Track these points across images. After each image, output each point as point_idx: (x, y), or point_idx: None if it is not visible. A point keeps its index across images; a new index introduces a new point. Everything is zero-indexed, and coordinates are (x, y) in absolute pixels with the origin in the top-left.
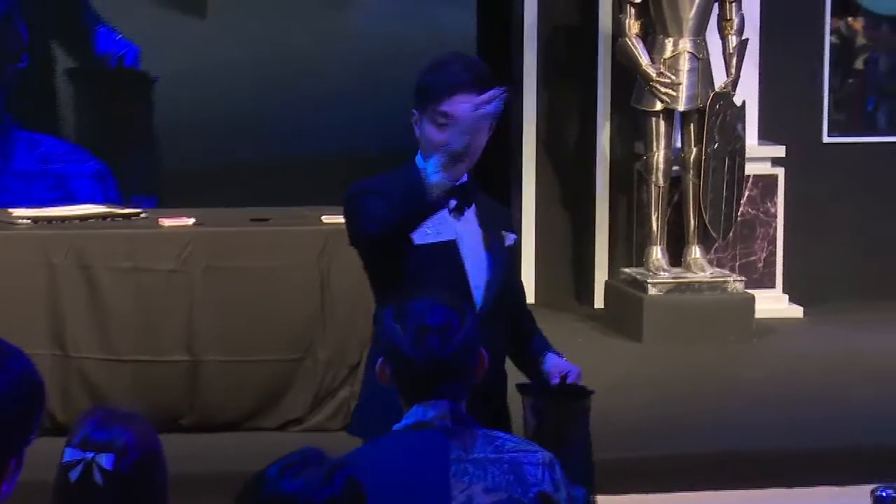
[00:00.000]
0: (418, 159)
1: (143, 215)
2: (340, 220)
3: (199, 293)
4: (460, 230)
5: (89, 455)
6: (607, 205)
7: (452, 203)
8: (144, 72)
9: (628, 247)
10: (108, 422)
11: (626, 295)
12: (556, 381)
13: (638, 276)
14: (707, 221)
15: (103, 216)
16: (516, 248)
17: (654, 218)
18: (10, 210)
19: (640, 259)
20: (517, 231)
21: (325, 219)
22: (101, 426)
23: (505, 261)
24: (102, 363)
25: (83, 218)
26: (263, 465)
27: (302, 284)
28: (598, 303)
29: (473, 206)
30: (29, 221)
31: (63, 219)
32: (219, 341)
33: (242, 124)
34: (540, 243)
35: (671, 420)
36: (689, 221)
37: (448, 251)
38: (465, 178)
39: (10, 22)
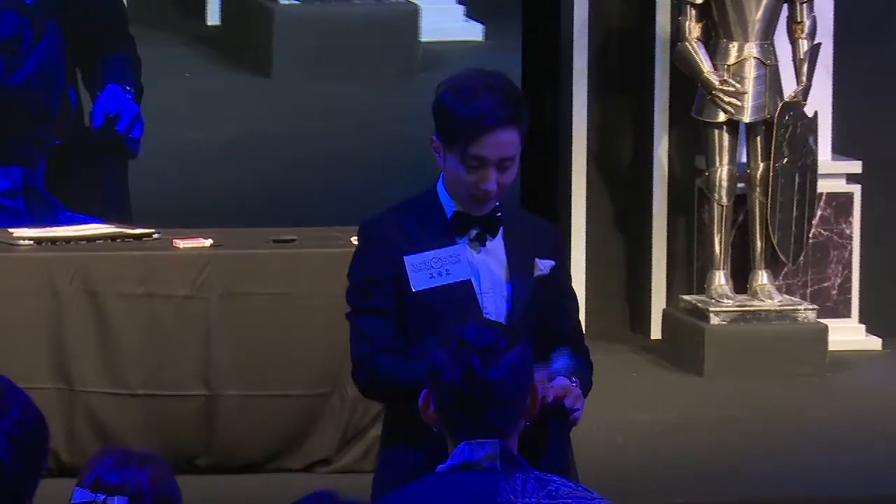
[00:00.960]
0: (440, 189)
1: (155, 236)
2: None
3: (217, 321)
4: (479, 264)
5: (101, 497)
6: (665, 225)
7: (473, 233)
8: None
9: (688, 272)
10: (123, 463)
11: (685, 324)
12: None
13: (699, 304)
14: (775, 244)
15: (112, 237)
16: (557, 276)
17: (716, 240)
18: (11, 230)
19: (702, 285)
20: (565, 254)
21: (356, 240)
22: (114, 467)
23: (533, 294)
24: (111, 398)
25: (90, 239)
26: None
27: (329, 312)
28: (655, 333)
29: (501, 232)
30: (31, 243)
31: (68, 240)
32: (238, 374)
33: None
34: (591, 267)
35: (735, 464)
36: (755, 244)
37: (461, 292)
38: (494, 205)
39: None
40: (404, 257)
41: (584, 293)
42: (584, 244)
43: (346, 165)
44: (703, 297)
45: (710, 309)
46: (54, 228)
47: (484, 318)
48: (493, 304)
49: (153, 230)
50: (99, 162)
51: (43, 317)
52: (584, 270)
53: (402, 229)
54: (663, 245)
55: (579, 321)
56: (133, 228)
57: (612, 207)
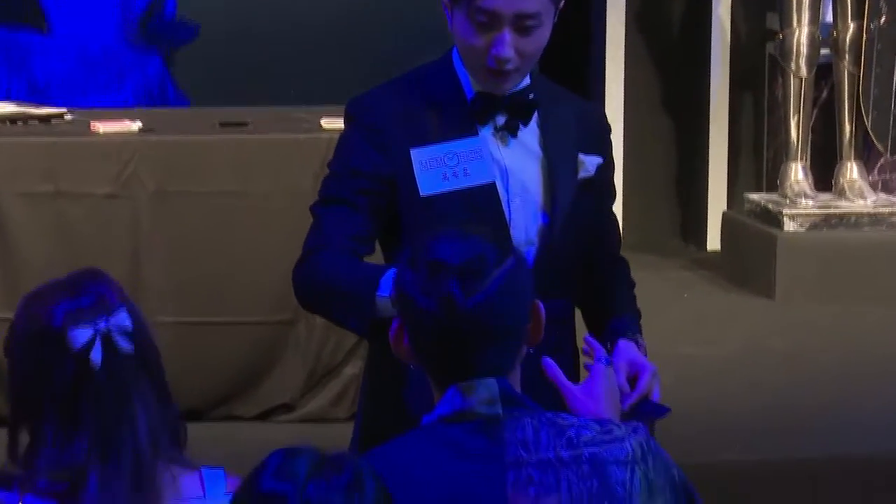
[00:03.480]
0: (454, 57)
1: (67, 117)
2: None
3: (147, 228)
4: (509, 160)
5: (102, 325)
6: (727, 106)
7: (500, 121)
8: None
9: (756, 165)
10: (82, 287)
11: (752, 232)
12: (627, 398)
13: (770, 206)
14: (869, 128)
15: (12, 118)
16: (604, 177)
17: (792, 123)
18: None
19: (773, 182)
20: (611, 147)
21: (327, 123)
22: (79, 292)
23: (576, 202)
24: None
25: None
26: (243, 471)
27: (291, 216)
28: (713, 243)
29: (535, 119)
30: None
31: None
32: (174, 296)
33: None
34: (630, 160)
35: (809, 412)
36: (843, 128)
37: (482, 199)
38: (524, 83)
39: None
40: (411, 150)
41: (621, 193)
42: (621, 131)
43: None
44: (774, 197)
45: (784, 212)
46: None
47: (466, 228)
48: (524, 215)
49: (64, 109)
50: None
51: None
52: (621, 164)
53: (405, 111)
54: (724, 131)
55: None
56: (39, 108)
57: (659, 85)
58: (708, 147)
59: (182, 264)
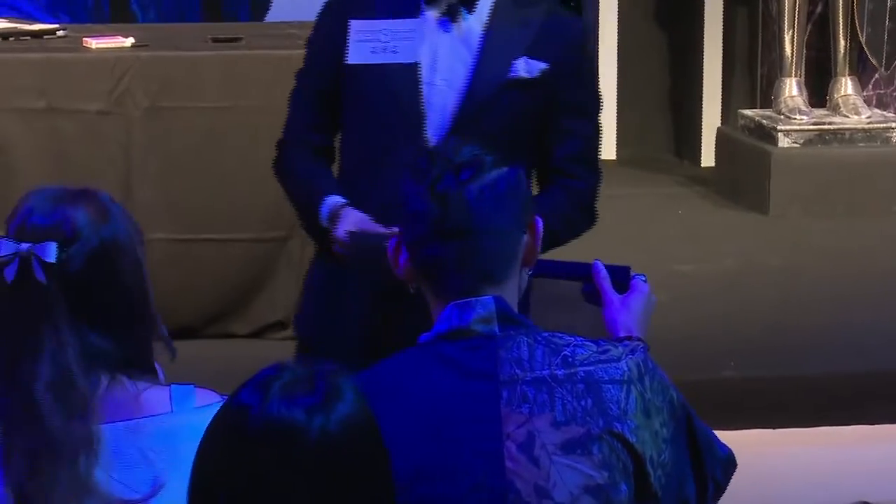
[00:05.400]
0: None
1: (60, 33)
2: None
3: (140, 144)
4: (441, 46)
5: (24, 247)
6: (720, 20)
7: (444, 5)
8: None
9: (750, 80)
10: (52, 202)
11: (746, 147)
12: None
13: (764, 121)
14: (863, 42)
15: (3, 35)
16: (556, 87)
17: (787, 38)
18: None
19: (768, 97)
20: (582, 62)
21: None
22: (40, 208)
23: (499, 99)
24: None
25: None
26: (232, 388)
27: None
28: (707, 159)
29: (490, 11)
30: None
31: None
32: (167, 213)
33: None
34: (623, 74)
35: (804, 329)
36: (837, 43)
37: (401, 79)
38: None
39: None
40: (351, 21)
41: (615, 108)
42: (615, 43)
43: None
44: (768, 112)
45: (779, 127)
46: None
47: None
48: (441, 99)
49: (56, 25)
50: None
51: None
52: (614, 77)
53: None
54: (718, 45)
55: (593, 152)
56: (31, 24)
57: None
58: (702, 63)
59: (175, 181)
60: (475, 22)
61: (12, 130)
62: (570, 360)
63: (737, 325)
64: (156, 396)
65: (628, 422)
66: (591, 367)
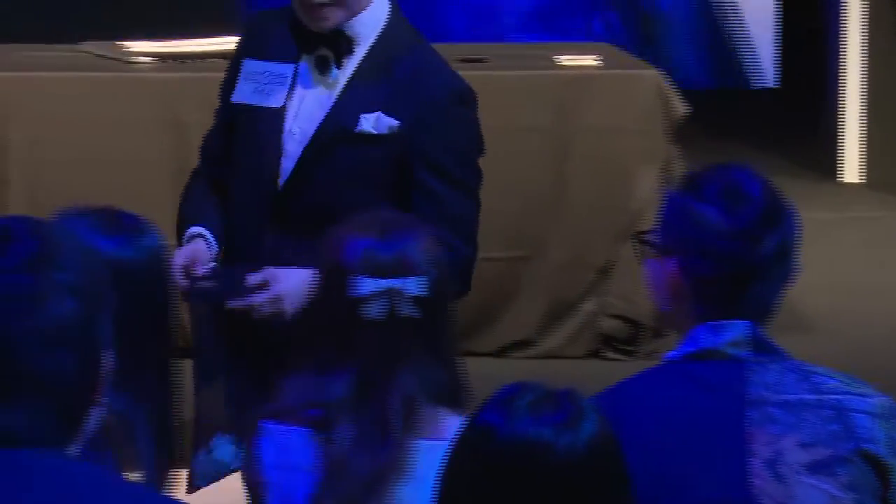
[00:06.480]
0: None
1: None
2: (586, 62)
3: None
4: (307, 95)
5: (396, 283)
6: None
7: (315, 55)
8: None
9: None
10: (388, 231)
11: None
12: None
13: None
14: None
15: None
16: (411, 147)
17: None
18: (125, 43)
19: None
20: (447, 131)
21: (563, 59)
22: (384, 240)
23: (341, 147)
24: None
25: (223, 55)
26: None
27: (529, 156)
28: None
29: (360, 65)
30: (150, 60)
31: (192, 56)
32: None
33: None
34: (871, 95)
35: None
36: None
37: (267, 123)
38: (339, 21)
39: None
40: (244, 60)
41: (857, 125)
42: (859, 62)
43: None
44: None
45: None
46: (178, 42)
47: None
48: (294, 146)
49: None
50: None
51: (166, 153)
52: (858, 97)
53: (268, 28)
54: None
55: (462, 222)
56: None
57: None
58: None
59: None
60: (342, 75)
61: None
62: (819, 387)
63: None
64: (453, 423)
65: (880, 448)
66: (841, 396)
